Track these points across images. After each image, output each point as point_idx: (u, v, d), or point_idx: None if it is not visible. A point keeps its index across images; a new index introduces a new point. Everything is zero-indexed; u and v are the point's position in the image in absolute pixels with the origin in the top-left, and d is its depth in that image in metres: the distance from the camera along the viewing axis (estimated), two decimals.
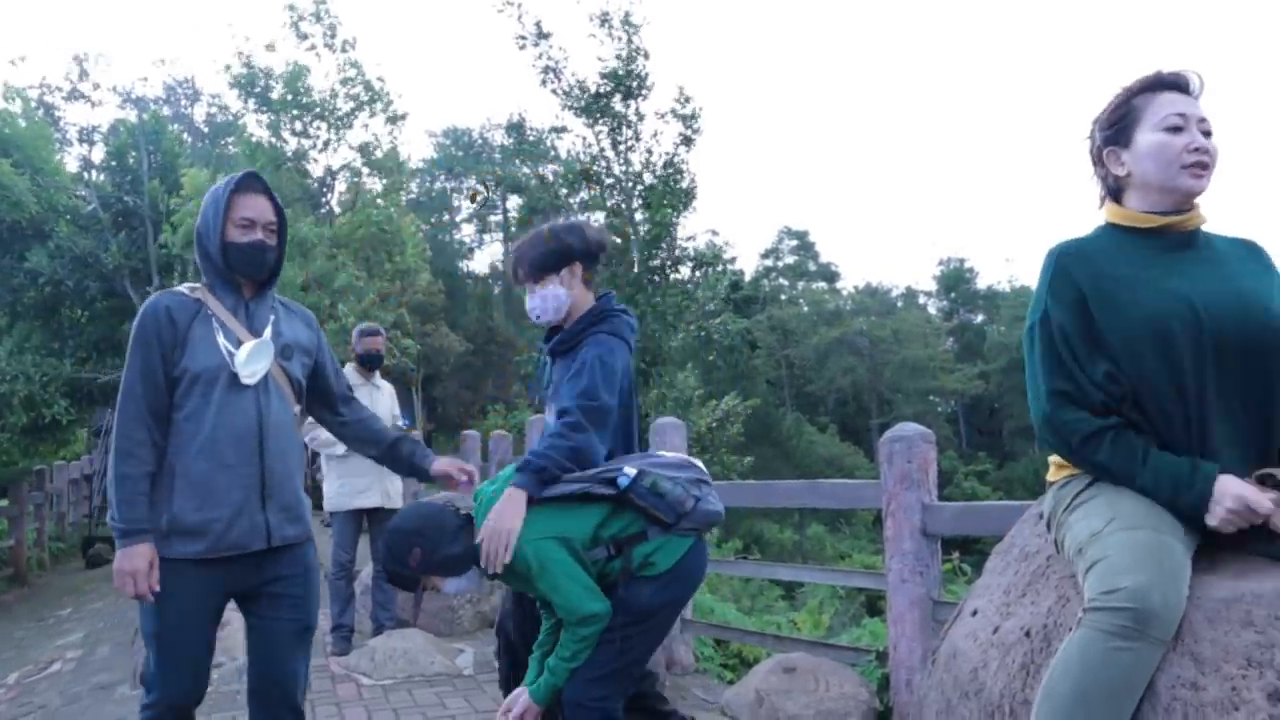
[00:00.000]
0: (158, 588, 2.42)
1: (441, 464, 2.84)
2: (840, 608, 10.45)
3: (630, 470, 2.52)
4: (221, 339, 2.53)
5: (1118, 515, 1.84)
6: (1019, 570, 2.22)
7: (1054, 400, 1.98)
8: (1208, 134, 2.01)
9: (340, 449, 5.39)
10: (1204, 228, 2.07)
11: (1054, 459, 2.12)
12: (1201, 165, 1.97)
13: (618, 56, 15.73)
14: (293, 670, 2.64)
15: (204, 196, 2.64)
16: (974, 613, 2.26)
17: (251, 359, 2.53)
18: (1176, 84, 2.04)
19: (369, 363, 5.90)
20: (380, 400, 5.83)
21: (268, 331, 2.63)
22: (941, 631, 2.48)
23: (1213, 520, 1.81)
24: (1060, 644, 1.79)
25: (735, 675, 5.34)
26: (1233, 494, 1.78)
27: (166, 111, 29.40)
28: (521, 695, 2.60)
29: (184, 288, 2.62)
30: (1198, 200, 2.03)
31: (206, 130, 31.11)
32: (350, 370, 5.74)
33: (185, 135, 25.80)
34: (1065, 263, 2.02)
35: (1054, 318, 2.00)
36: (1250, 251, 2.09)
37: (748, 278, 45.10)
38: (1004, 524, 2.72)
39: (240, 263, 2.58)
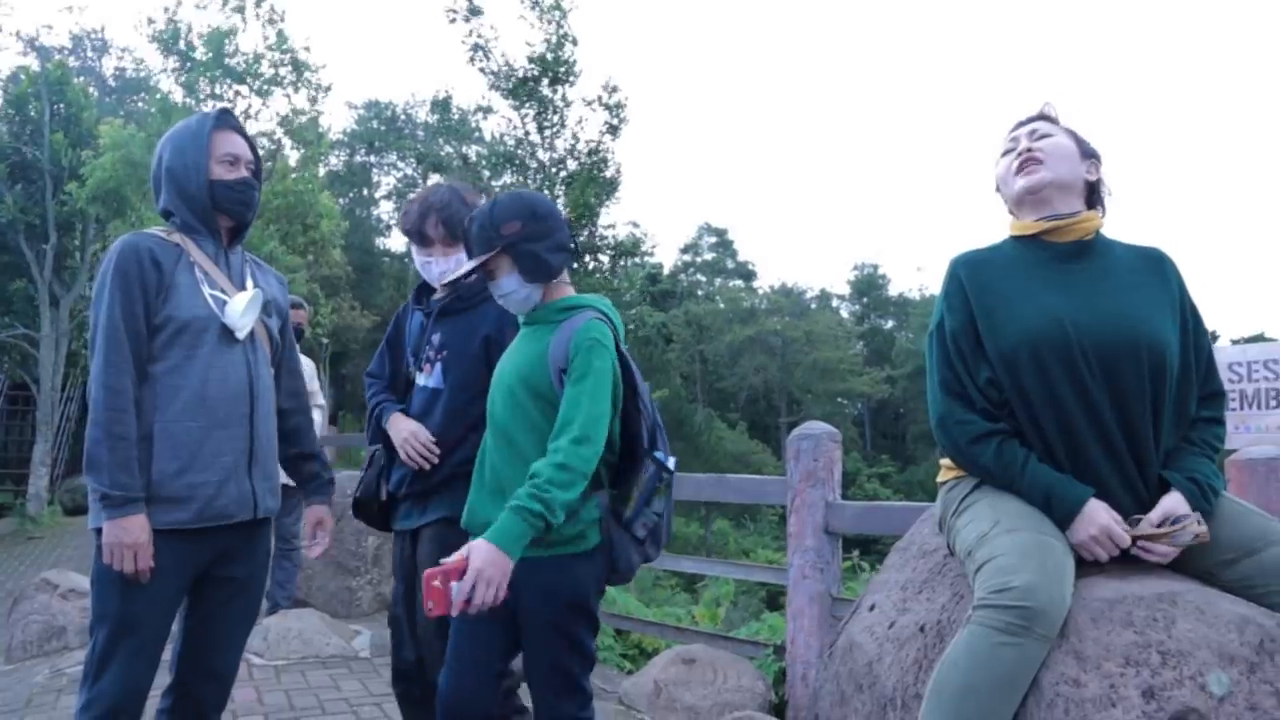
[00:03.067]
0: (153, 564, 2.18)
1: (316, 512, 2.66)
2: (741, 601, 10.58)
3: (670, 461, 2.36)
4: (206, 289, 2.35)
5: (1001, 518, 1.91)
6: (916, 567, 2.27)
7: (947, 401, 2.07)
8: (1043, 136, 2.15)
9: None
10: (1111, 237, 2.14)
11: (944, 461, 2.20)
12: (1027, 160, 2.12)
13: (545, 41, 15.60)
14: (236, 665, 2.47)
15: (167, 137, 2.44)
16: (872, 607, 2.31)
17: (246, 311, 2.37)
18: (1024, 122, 2.23)
19: None
20: None
21: (249, 283, 2.46)
22: (840, 624, 2.53)
23: (1073, 538, 1.90)
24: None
25: (635, 666, 5.37)
26: (1099, 523, 1.88)
27: (73, 62, 28.05)
28: (477, 549, 2.02)
29: (158, 230, 2.40)
30: (1092, 211, 2.13)
31: (114, 84, 29.72)
32: None
33: (92, 88, 24.61)
34: (959, 272, 2.13)
35: (947, 325, 2.10)
36: (1150, 263, 2.10)
37: (666, 271, 45.34)
38: (904, 524, 2.79)
39: (228, 201, 2.42)
